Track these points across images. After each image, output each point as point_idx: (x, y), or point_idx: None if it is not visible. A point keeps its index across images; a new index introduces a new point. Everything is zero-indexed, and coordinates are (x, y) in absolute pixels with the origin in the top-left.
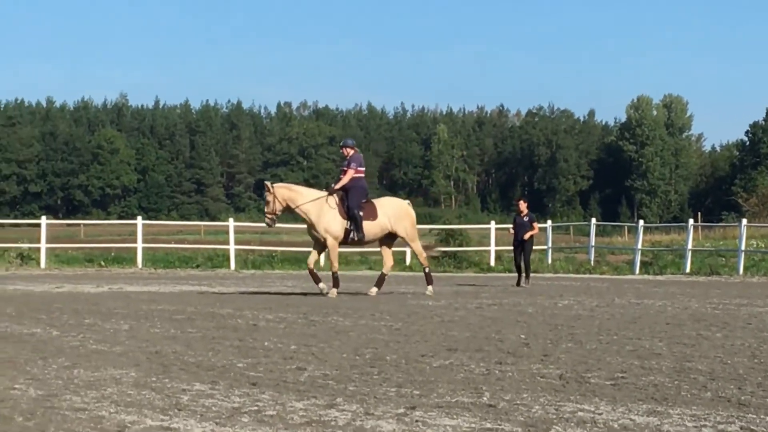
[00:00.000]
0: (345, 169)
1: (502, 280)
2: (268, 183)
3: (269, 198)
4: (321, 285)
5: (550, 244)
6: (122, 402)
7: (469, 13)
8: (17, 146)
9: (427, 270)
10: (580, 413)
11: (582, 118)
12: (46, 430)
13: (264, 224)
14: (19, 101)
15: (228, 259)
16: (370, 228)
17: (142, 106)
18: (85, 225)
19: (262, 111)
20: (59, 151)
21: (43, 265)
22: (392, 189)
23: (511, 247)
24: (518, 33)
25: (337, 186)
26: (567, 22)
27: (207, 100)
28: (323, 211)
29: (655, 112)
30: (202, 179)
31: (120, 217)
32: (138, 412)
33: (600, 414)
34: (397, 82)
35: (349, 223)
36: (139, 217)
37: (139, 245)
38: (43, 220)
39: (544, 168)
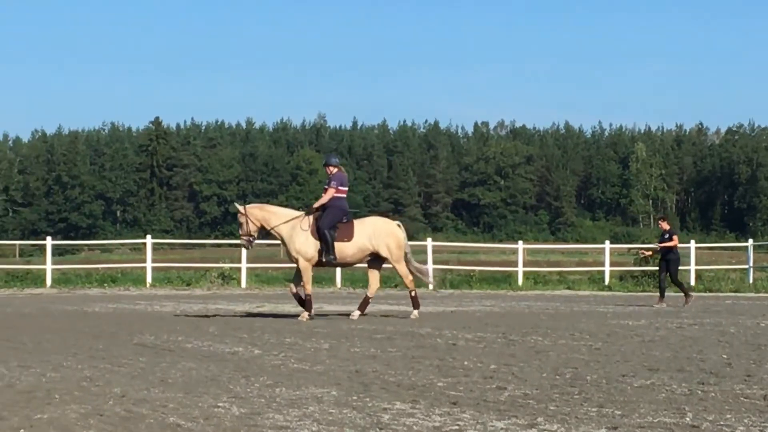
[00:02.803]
0: (326, 187)
1: (702, 300)
2: (238, 205)
3: (242, 220)
4: (307, 315)
5: (751, 263)
6: (324, 420)
7: (666, 30)
8: (218, 167)
9: (413, 293)
10: None
11: None
12: None
13: (242, 245)
14: (219, 123)
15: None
16: (344, 249)
17: (340, 126)
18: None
19: (459, 130)
20: (259, 171)
21: (243, 284)
22: (590, 208)
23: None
24: (717, 49)
25: (316, 205)
26: (765, 38)
27: (404, 120)
28: (295, 232)
29: None
30: (400, 199)
31: None
32: (339, 430)
33: None
34: (594, 100)
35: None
36: None
37: None
38: None
39: (745, 186)
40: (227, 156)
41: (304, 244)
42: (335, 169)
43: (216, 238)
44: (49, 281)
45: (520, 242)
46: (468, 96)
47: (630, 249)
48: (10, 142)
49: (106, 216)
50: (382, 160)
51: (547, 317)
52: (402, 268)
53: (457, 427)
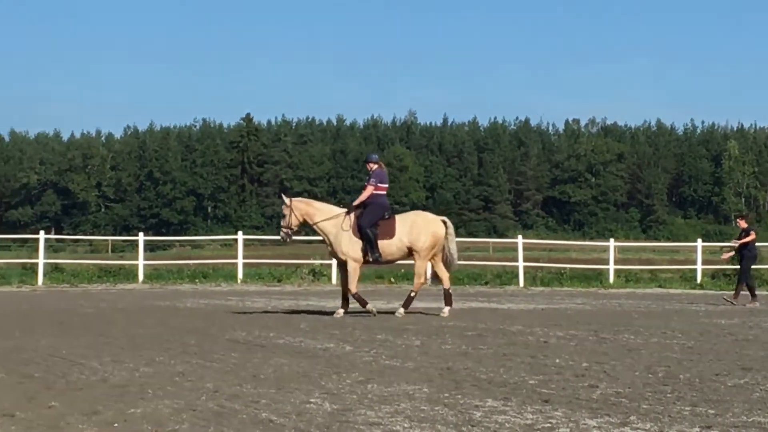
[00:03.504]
0: (366, 184)
1: None
2: (284, 197)
3: (286, 212)
4: (369, 306)
5: None
6: (416, 417)
7: (758, 28)
8: (308, 164)
9: (413, 294)
10: None
11: None
12: None
13: (281, 237)
14: (310, 119)
15: (516, 275)
16: (386, 246)
17: (430, 123)
18: None
19: (550, 128)
20: (349, 168)
21: (334, 281)
22: (681, 206)
23: None
24: None
25: (356, 202)
26: None
27: (495, 117)
28: (339, 233)
29: None
30: (490, 196)
31: None
32: (431, 427)
33: None
34: (686, 98)
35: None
36: None
37: (429, 262)
38: None
39: None
40: (318, 152)
41: (349, 245)
42: (375, 166)
43: (306, 234)
44: (141, 277)
45: (612, 240)
46: (559, 93)
47: (722, 247)
48: (103, 138)
49: (197, 212)
50: (472, 157)
51: (638, 315)
52: (420, 265)
53: (549, 425)
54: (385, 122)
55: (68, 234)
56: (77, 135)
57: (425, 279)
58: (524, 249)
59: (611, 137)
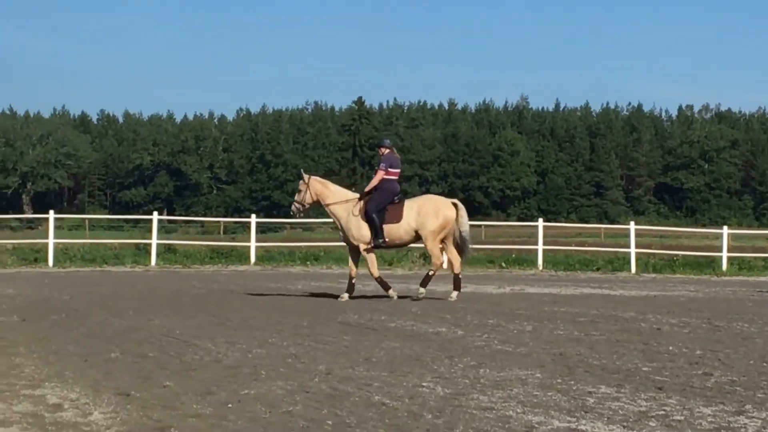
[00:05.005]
0: (377, 169)
1: None
2: (303, 173)
3: (302, 188)
4: (391, 291)
5: None
6: (528, 402)
7: None
8: (419, 148)
9: (430, 273)
10: None
11: None
12: (455, 428)
13: (291, 210)
14: (421, 103)
15: (628, 262)
16: (393, 231)
17: (542, 108)
18: (486, 226)
19: (663, 114)
20: (460, 152)
21: (444, 265)
22: None
23: None
24: None
25: (367, 188)
26: None
27: (607, 103)
28: (350, 218)
29: None
30: (602, 182)
31: (519, 219)
32: (544, 413)
33: None
34: None
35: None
36: (540, 219)
37: (540, 247)
38: None
39: None
40: (429, 136)
41: (359, 229)
42: (387, 151)
43: None
44: (253, 258)
45: (725, 227)
46: (672, 79)
47: None
48: (216, 120)
49: None
50: (584, 143)
51: (752, 303)
52: (431, 247)
53: (663, 413)
54: (496, 106)
55: (180, 215)
56: (190, 117)
57: (441, 260)
58: (636, 235)
59: (725, 124)
